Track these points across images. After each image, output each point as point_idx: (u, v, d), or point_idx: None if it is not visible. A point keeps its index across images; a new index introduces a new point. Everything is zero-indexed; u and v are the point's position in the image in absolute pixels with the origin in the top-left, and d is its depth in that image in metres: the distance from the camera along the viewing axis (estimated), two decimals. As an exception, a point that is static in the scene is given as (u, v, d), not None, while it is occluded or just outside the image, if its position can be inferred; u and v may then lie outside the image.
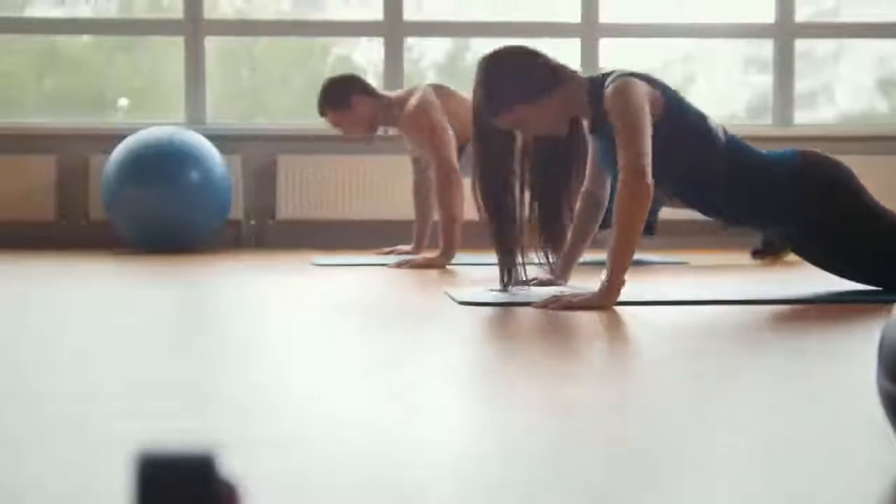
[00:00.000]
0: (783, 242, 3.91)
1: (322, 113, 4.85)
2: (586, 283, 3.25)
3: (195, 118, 6.20)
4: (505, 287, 3.15)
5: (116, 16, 6.60)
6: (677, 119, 2.98)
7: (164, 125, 5.77)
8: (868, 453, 1.25)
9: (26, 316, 2.68)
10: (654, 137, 2.91)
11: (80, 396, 1.62)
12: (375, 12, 6.31)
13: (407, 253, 5.08)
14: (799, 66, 6.50)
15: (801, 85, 6.57)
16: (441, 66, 7.00)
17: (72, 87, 6.67)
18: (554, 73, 3.04)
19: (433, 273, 4.19)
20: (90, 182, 5.97)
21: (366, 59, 6.66)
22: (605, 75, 3.03)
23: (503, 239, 3.15)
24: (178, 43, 6.27)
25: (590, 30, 6.33)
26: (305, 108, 5.87)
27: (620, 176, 2.85)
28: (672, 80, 7.52)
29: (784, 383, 1.73)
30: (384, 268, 4.41)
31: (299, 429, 1.39)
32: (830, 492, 1.09)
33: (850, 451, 1.26)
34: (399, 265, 4.42)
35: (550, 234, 3.22)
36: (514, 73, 3.03)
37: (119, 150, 5.48)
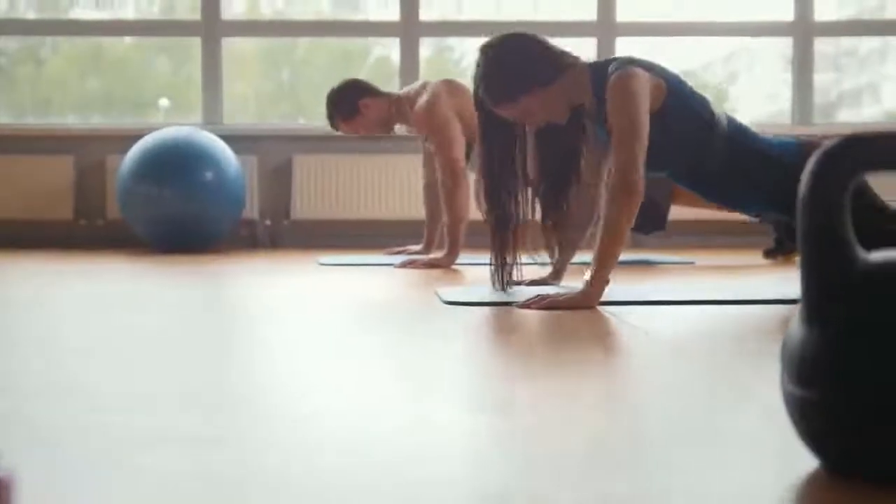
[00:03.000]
0: (786, 231, 3.89)
1: (335, 126, 4.87)
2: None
3: (212, 118, 6.25)
4: (502, 287, 3.15)
5: (135, 17, 6.67)
6: (680, 105, 2.96)
7: (180, 125, 5.82)
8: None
9: (39, 314, 2.71)
10: (656, 124, 2.90)
11: (78, 394, 1.64)
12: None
13: (416, 253, 5.09)
14: (844, 63, 6.44)
15: (847, 83, 6.50)
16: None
17: (114, 87, 6.76)
18: (556, 61, 3.02)
19: (436, 273, 4.20)
20: (107, 182, 6.04)
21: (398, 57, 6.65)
22: (609, 61, 3.02)
23: (500, 238, 3.15)
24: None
25: (606, 28, 6.31)
26: None
27: (612, 176, 2.85)
28: (714, 79, 7.53)
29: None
30: (389, 268, 4.43)
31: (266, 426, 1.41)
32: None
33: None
34: (403, 265, 4.44)
35: (555, 221, 3.22)
36: (517, 62, 3.00)
37: (134, 151, 5.53)
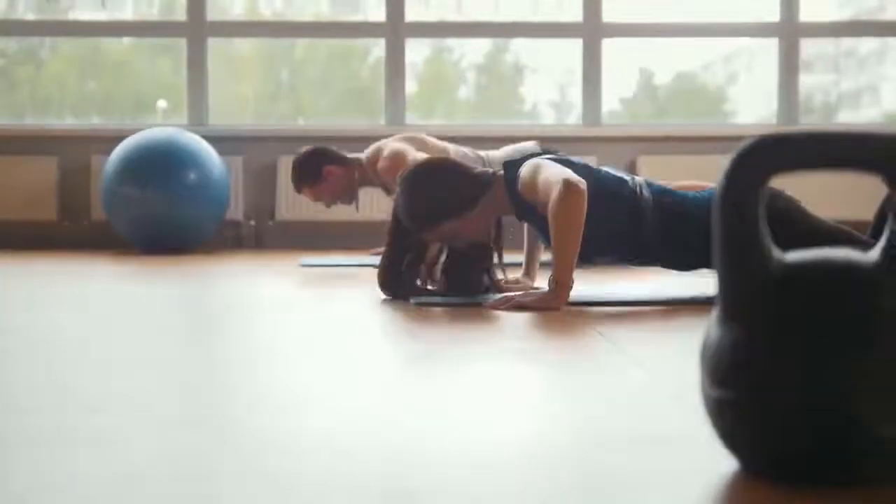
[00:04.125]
0: None
1: (298, 190, 4.87)
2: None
3: (198, 119, 6.25)
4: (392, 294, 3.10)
5: (121, 19, 6.67)
6: (595, 190, 2.91)
7: (166, 126, 5.83)
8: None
9: (23, 315, 2.72)
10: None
11: (59, 394, 1.64)
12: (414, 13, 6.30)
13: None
14: (844, 64, 6.44)
15: (845, 84, 6.51)
16: (480, 67, 7.02)
17: (112, 89, 6.78)
18: (475, 185, 3.00)
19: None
20: (91, 183, 6.03)
21: (408, 59, 6.62)
22: (517, 163, 3.00)
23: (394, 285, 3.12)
24: (216, 44, 6.35)
25: (592, 30, 6.31)
26: (343, 109, 5.93)
27: (555, 188, 2.81)
28: (714, 80, 7.53)
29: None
30: (369, 269, 4.43)
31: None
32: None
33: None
34: (382, 266, 4.44)
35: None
36: (438, 191, 2.98)
37: (118, 152, 5.53)
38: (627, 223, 2.96)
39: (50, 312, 2.79)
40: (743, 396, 1.12)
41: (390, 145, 4.64)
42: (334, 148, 4.83)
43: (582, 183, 2.79)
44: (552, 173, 2.84)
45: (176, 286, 3.59)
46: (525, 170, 2.93)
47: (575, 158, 3.05)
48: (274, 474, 1.17)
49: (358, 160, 4.80)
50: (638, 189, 3.00)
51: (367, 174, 4.77)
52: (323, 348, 2.15)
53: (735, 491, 1.12)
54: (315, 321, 2.61)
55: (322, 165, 4.75)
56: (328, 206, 4.94)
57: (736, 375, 1.12)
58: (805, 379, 1.09)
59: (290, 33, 6.54)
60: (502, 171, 3.02)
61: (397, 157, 4.50)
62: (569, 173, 2.81)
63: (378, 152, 4.71)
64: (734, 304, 1.14)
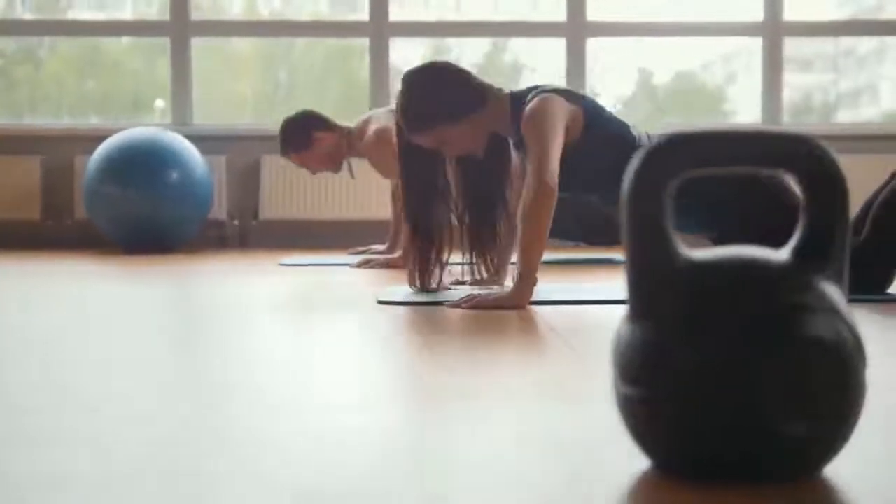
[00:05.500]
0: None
1: (285, 155, 4.84)
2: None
3: (181, 119, 6.25)
4: (421, 287, 3.13)
5: (104, 18, 6.68)
6: (599, 130, 2.98)
7: (149, 126, 5.83)
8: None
9: (9, 314, 2.72)
10: (579, 151, 2.93)
11: (43, 393, 1.64)
12: (409, 13, 6.32)
13: (380, 253, 5.09)
14: (844, 64, 6.45)
15: (844, 84, 6.52)
16: (480, 67, 7.02)
17: (110, 88, 6.78)
18: (477, 93, 3.02)
19: (391, 273, 4.20)
20: (75, 183, 6.04)
21: (402, 59, 6.64)
22: (530, 89, 3.03)
23: (420, 250, 3.14)
24: (211, 43, 6.35)
25: (577, 29, 6.31)
26: (339, 109, 5.90)
27: (527, 180, 2.84)
28: (713, 79, 7.53)
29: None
30: (346, 268, 4.43)
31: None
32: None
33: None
34: (360, 265, 4.44)
35: (480, 245, 3.22)
36: (437, 92, 3.00)
37: (100, 151, 5.53)
38: (621, 166, 2.99)
39: (35, 312, 2.79)
40: (651, 394, 1.12)
41: (380, 120, 4.61)
42: (323, 114, 4.79)
43: (554, 182, 2.81)
44: (543, 151, 2.83)
45: (159, 286, 3.59)
46: (532, 110, 2.91)
47: (587, 95, 3.07)
48: (274, 474, 1.17)
49: (347, 128, 4.79)
50: (639, 140, 3.04)
51: (355, 144, 4.74)
52: (312, 348, 2.15)
53: (644, 490, 1.12)
54: (300, 321, 2.62)
55: (311, 131, 4.72)
56: (314, 173, 4.90)
57: (644, 373, 1.13)
58: (710, 377, 1.09)
59: (277, 32, 6.54)
60: (509, 92, 3.05)
61: (383, 137, 4.49)
62: (550, 169, 2.81)
63: (366, 124, 4.69)
64: (642, 301, 1.14)
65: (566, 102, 2.95)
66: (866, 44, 6.85)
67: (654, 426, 1.14)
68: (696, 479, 1.13)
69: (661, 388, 1.12)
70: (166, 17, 6.22)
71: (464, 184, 3.16)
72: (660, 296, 1.13)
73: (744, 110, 7.38)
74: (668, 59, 6.98)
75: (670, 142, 1.12)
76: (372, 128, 4.61)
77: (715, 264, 1.13)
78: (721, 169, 1.12)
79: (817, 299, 1.11)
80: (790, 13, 6.35)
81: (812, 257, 1.14)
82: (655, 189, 1.12)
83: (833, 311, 1.11)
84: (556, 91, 2.98)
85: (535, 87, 3.02)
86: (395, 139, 4.50)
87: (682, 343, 1.10)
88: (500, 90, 3.07)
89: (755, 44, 6.42)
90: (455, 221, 3.18)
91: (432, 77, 3.03)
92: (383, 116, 4.63)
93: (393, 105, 4.70)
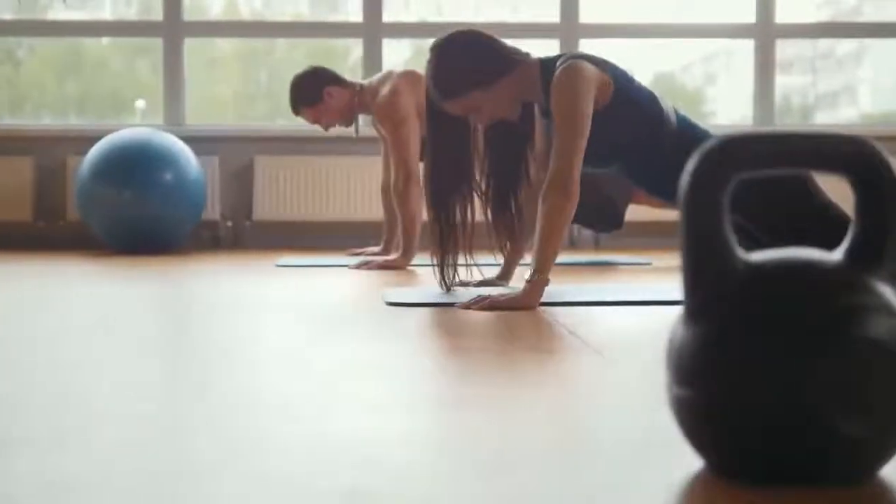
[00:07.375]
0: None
1: (297, 111, 4.82)
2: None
3: (174, 119, 6.23)
4: (446, 287, 3.15)
5: (98, 19, 6.65)
6: (628, 101, 2.98)
7: (141, 126, 5.81)
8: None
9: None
10: (604, 119, 2.93)
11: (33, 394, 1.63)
12: (402, 14, 6.31)
13: (376, 254, 5.09)
14: (821, 65, 6.48)
15: (823, 85, 6.54)
16: None
17: (91, 88, 6.74)
18: (506, 58, 3.03)
19: (390, 274, 4.19)
20: (67, 183, 6.01)
21: (389, 59, 6.61)
22: (559, 56, 3.03)
23: (443, 237, 3.14)
24: (196, 44, 6.33)
25: (569, 30, 6.32)
26: None
27: (549, 175, 2.85)
28: (693, 81, 7.55)
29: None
30: (345, 269, 4.42)
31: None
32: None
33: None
34: (359, 266, 4.43)
35: (500, 217, 3.23)
36: (467, 59, 3.01)
37: (93, 152, 5.50)
38: (646, 138, 3.00)
39: (27, 314, 2.77)
40: (706, 396, 1.12)
41: (395, 81, 4.60)
42: (333, 70, 4.79)
43: (576, 188, 2.82)
44: (569, 140, 2.84)
45: (152, 287, 3.57)
46: (561, 79, 2.91)
47: (620, 66, 3.07)
48: (274, 475, 1.17)
49: (360, 84, 4.80)
50: (666, 112, 3.05)
51: (365, 101, 4.75)
52: (306, 348, 2.15)
53: (699, 491, 1.12)
54: (295, 322, 2.61)
55: (322, 86, 4.73)
56: (326, 128, 4.90)
57: (699, 375, 1.12)
58: (766, 378, 1.09)
59: (268, 33, 6.53)
60: (538, 58, 3.06)
61: (394, 100, 4.52)
62: (573, 176, 2.82)
63: (380, 83, 4.70)
64: (699, 302, 1.14)
65: (596, 70, 2.95)
66: (845, 46, 6.88)
67: (710, 428, 1.13)
68: (752, 481, 1.13)
69: (719, 390, 1.11)
70: (148, 16, 6.19)
71: (489, 155, 3.17)
72: (717, 297, 1.13)
73: (723, 111, 7.41)
74: (648, 60, 7.00)
75: (728, 143, 1.12)
76: (386, 89, 4.62)
77: (772, 265, 1.13)
78: (778, 170, 1.12)
79: (874, 300, 1.11)
80: (780, 16, 6.38)
81: (866, 259, 1.15)
82: (713, 190, 1.12)
83: (890, 311, 1.11)
84: (586, 58, 2.97)
85: (564, 55, 3.02)
86: (404, 105, 4.54)
87: (740, 345, 1.10)
88: (528, 54, 3.07)
89: (735, 45, 6.45)
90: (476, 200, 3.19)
91: (461, 44, 3.04)
92: (400, 79, 4.63)
93: (409, 68, 4.74)
